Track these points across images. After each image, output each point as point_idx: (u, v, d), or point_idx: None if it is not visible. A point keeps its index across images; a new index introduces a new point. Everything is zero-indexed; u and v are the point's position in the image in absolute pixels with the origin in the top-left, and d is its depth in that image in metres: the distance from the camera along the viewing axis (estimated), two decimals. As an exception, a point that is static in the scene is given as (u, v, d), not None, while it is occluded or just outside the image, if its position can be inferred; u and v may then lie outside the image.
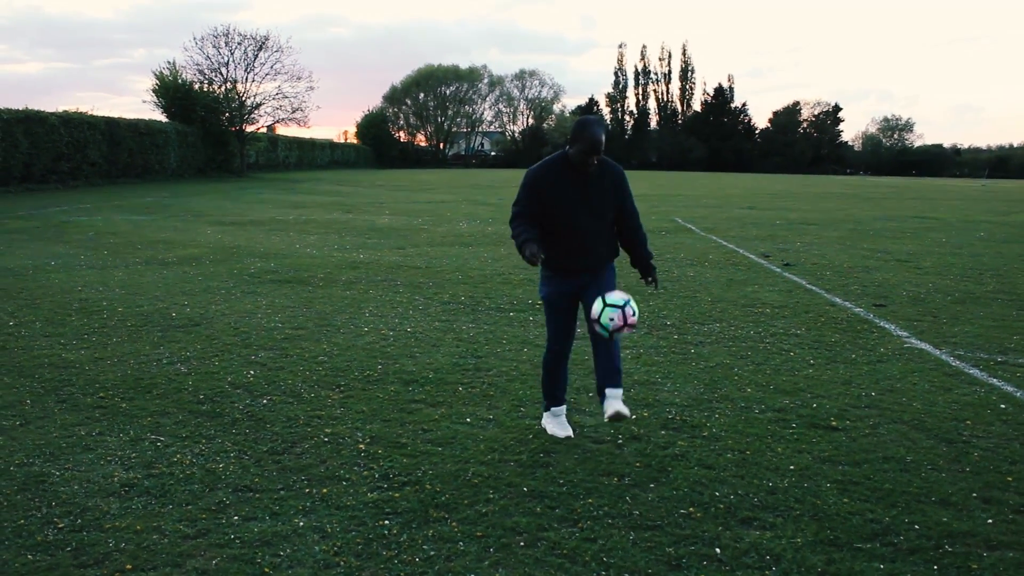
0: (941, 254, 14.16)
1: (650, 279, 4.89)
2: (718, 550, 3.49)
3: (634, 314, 4.39)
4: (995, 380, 6.12)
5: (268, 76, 51.50)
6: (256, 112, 51.09)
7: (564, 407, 4.97)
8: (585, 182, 4.61)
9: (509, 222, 4.77)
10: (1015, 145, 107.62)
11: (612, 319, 4.35)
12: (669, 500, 3.99)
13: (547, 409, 4.96)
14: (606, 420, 4.51)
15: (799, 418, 5.21)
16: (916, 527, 3.72)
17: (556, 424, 4.90)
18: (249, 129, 51.19)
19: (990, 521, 3.79)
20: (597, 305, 4.42)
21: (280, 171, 57.17)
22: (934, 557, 3.45)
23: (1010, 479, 4.27)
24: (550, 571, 3.30)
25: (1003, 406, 5.49)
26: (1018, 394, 5.77)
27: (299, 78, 54.09)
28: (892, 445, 4.74)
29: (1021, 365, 6.56)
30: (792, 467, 4.40)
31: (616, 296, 4.42)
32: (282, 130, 59.75)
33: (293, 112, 52.35)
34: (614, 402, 4.48)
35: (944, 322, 8.23)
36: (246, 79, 50.67)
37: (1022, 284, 10.80)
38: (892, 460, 4.51)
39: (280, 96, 51.82)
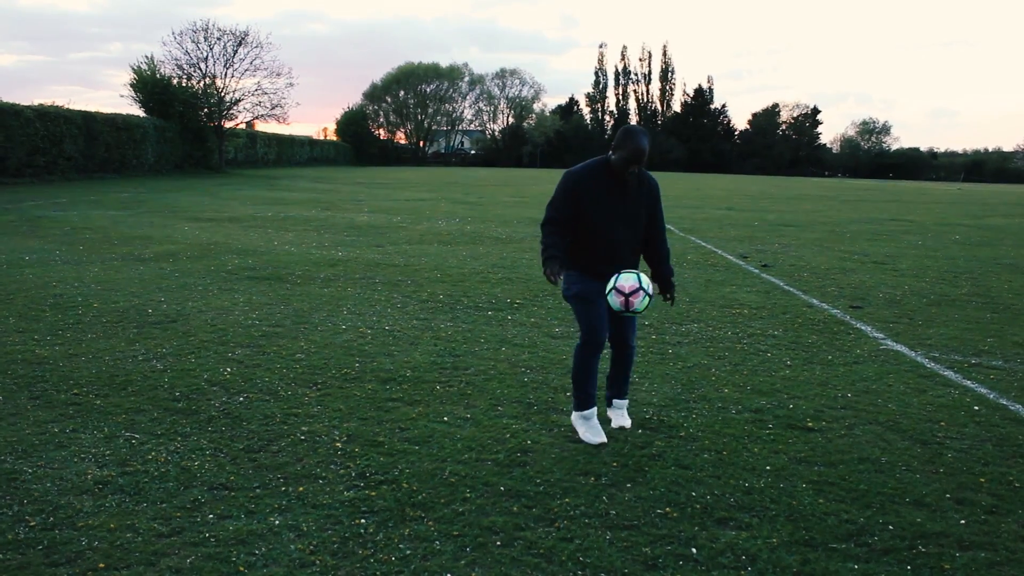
0: (917, 257, 14.28)
1: (668, 296, 4.90)
2: (694, 550, 3.50)
3: (638, 287, 4.44)
4: (969, 382, 6.17)
5: (247, 72, 51.08)
6: (235, 108, 50.76)
7: (595, 410, 4.86)
8: (624, 191, 4.62)
9: (541, 225, 4.75)
10: (990, 149, 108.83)
11: (614, 302, 4.48)
12: (646, 500, 3.99)
13: (578, 408, 4.86)
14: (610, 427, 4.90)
15: (776, 419, 5.23)
16: (890, 527, 3.75)
17: (588, 428, 4.81)
18: (228, 125, 50.85)
19: (963, 522, 3.82)
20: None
21: (259, 167, 56.85)
22: (908, 557, 3.48)
23: (983, 480, 4.31)
24: (526, 571, 3.30)
25: (976, 408, 5.54)
26: (991, 396, 5.83)
27: (279, 74, 53.71)
28: (867, 446, 4.78)
29: (994, 367, 6.63)
30: (768, 467, 4.42)
31: (623, 279, 4.50)
32: (261, 126, 59.55)
33: (272, 108, 52.10)
34: (620, 413, 5.03)
35: (919, 324, 8.29)
36: (225, 75, 50.32)
37: (996, 287, 10.91)
38: (867, 461, 4.54)
39: (259, 92, 51.52)
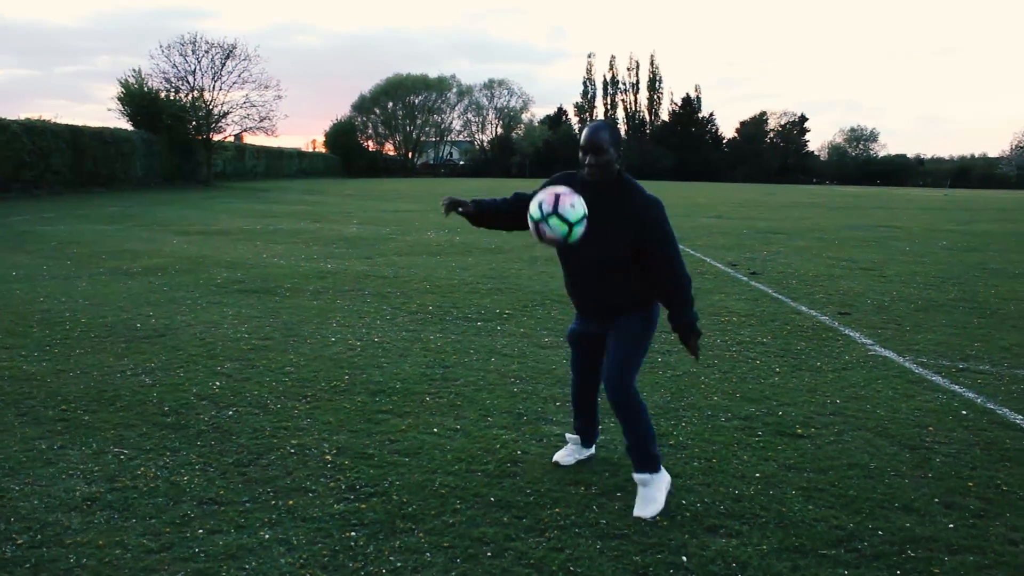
0: (905, 263, 14.34)
1: (691, 347, 4.04)
2: (684, 558, 3.51)
3: (551, 230, 3.68)
4: (956, 387, 6.20)
5: (236, 84, 51.09)
6: (223, 121, 50.76)
7: (576, 438, 4.59)
8: (596, 204, 3.83)
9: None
10: (976, 155, 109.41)
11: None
12: (636, 509, 4.00)
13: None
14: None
15: (765, 426, 5.25)
16: (880, 533, 3.76)
17: (563, 449, 4.64)
18: (216, 138, 50.83)
19: (951, 526, 3.84)
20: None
21: (248, 180, 56.77)
22: (897, 562, 3.49)
23: (971, 484, 4.33)
24: (517, 581, 3.30)
25: (964, 412, 5.57)
26: (979, 400, 5.85)
27: (267, 87, 53.84)
28: (856, 452, 4.79)
29: (982, 372, 6.66)
30: (758, 475, 4.43)
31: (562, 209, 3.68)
32: (250, 139, 59.49)
33: (261, 121, 52.08)
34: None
35: (907, 330, 8.33)
36: (213, 87, 50.30)
37: (983, 292, 10.96)
38: (856, 467, 4.56)
39: (248, 105, 51.52)
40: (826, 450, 4.82)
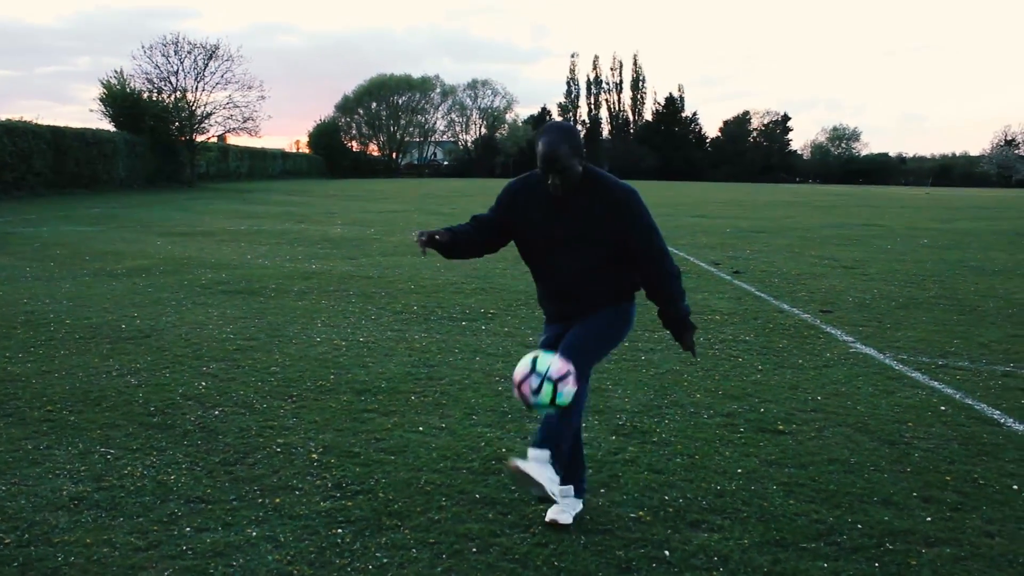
0: (886, 261, 14.47)
1: (685, 343, 3.86)
2: (667, 552, 3.56)
3: (528, 372, 3.47)
4: (936, 383, 6.28)
5: (219, 85, 50.95)
6: (206, 121, 50.68)
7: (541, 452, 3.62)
8: (563, 207, 3.66)
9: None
10: (957, 154, 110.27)
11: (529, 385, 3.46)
12: (619, 504, 4.05)
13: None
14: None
15: (747, 422, 5.31)
16: (859, 526, 3.82)
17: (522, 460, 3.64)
18: (199, 139, 50.65)
19: (929, 519, 3.91)
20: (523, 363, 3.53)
21: (231, 181, 56.58)
22: (876, 555, 3.55)
23: (948, 478, 4.40)
24: (502, 576, 3.34)
25: (943, 408, 5.65)
26: (957, 396, 5.94)
27: (250, 87, 53.43)
28: (837, 447, 4.86)
29: (961, 368, 6.75)
30: (740, 470, 4.49)
31: (546, 362, 3.47)
32: (233, 140, 59.38)
33: (244, 121, 52.05)
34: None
35: (888, 327, 8.42)
36: (196, 88, 50.25)
37: (963, 289, 11.09)
38: (837, 462, 4.63)
39: (231, 105, 51.48)
40: (807, 446, 4.89)
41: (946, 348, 7.48)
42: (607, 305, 3.83)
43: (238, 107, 51.54)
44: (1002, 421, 5.39)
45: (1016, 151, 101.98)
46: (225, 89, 51.84)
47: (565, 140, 3.55)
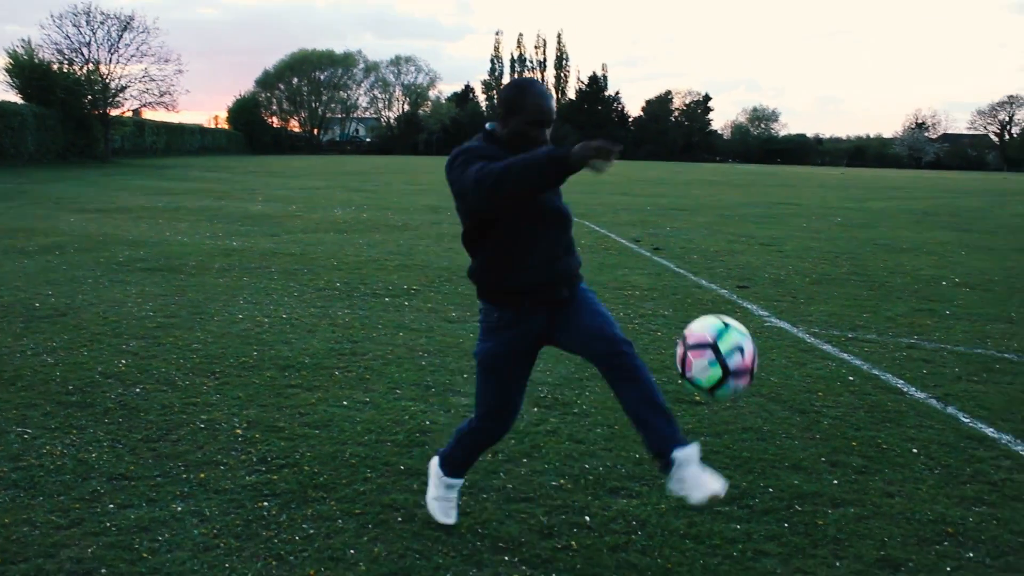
0: (801, 238, 14.89)
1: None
2: (587, 518, 3.68)
3: (709, 343, 3.17)
4: (845, 355, 6.54)
5: (134, 58, 49.48)
6: (121, 95, 49.08)
7: (461, 482, 3.65)
8: None
9: (478, 178, 2.87)
10: (871, 136, 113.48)
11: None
12: (541, 473, 4.16)
13: (444, 472, 3.61)
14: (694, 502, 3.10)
15: (665, 394, 5.35)
16: (770, 490, 4.00)
17: (443, 503, 3.61)
18: (113, 113, 49.13)
19: (835, 482, 4.11)
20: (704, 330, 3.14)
21: (148, 157, 55.09)
22: (785, 516, 3.73)
23: (854, 444, 4.62)
24: (427, 544, 3.42)
25: (851, 378, 5.89)
26: (865, 367, 6.20)
27: (167, 60, 51.83)
28: (751, 417, 5.05)
29: (868, 340, 7.03)
30: (657, 439, 4.63)
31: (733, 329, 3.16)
32: (149, 114, 57.71)
33: (161, 96, 50.56)
34: (692, 470, 3.15)
35: (802, 302, 8.70)
36: (110, 60, 48.71)
37: (872, 266, 11.49)
38: (750, 430, 4.81)
39: (147, 79, 49.97)
40: (722, 415, 5.06)
41: (855, 322, 7.77)
42: (580, 282, 3.40)
43: (154, 81, 50.14)
44: (905, 390, 5.66)
45: (926, 134, 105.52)
46: (141, 62, 50.42)
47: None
